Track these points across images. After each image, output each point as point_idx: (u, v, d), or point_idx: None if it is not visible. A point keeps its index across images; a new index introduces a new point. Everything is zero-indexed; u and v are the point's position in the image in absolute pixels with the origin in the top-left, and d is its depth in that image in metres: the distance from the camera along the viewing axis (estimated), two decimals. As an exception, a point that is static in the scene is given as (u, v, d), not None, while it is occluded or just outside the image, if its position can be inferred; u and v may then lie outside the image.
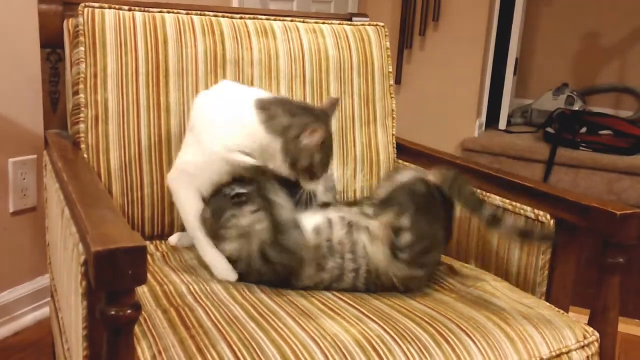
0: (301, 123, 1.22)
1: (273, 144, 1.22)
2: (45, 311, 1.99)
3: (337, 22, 1.66)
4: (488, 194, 1.41)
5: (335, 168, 1.58)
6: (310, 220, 1.20)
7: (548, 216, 1.29)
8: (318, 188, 1.27)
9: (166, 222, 1.42)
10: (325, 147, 1.24)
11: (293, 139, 1.21)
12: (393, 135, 1.68)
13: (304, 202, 1.25)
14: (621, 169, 3.34)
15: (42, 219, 1.54)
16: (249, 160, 1.23)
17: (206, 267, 1.26)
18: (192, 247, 1.34)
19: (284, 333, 1.01)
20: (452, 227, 1.33)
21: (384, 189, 1.32)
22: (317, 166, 1.23)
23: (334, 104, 1.35)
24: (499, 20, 3.73)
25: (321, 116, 1.26)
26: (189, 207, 1.27)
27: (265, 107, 1.24)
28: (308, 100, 1.55)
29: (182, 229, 1.41)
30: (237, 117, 1.25)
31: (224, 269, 1.23)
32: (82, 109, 1.34)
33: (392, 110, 1.68)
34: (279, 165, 1.23)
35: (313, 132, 1.20)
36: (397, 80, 3.66)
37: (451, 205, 1.28)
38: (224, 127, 1.25)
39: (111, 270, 0.80)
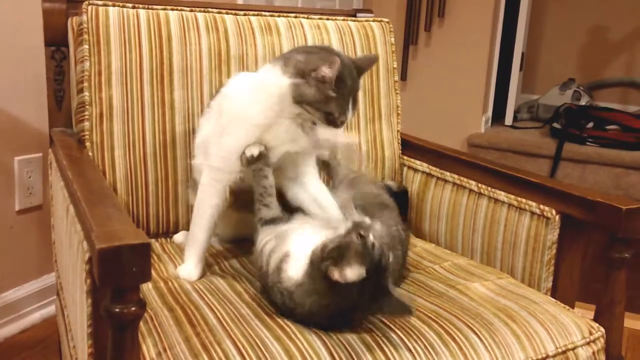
0: (318, 58, 1.16)
1: (292, 87, 1.17)
2: (52, 309, 2.00)
3: (342, 18, 1.65)
4: (493, 189, 1.41)
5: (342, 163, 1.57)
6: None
7: (554, 211, 1.28)
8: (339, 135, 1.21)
9: (171, 219, 1.43)
10: (343, 88, 1.16)
11: (310, 72, 1.15)
12: (398, 131, 1.68)
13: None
14: (628, 164, 3.32)
15: (48, 217, 1.54)
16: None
17: (210, 265, 1.27)
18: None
19: (290, 331, 1.00)
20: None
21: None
22: (334, 106, 1.16)
23: (372, 59, 1.29)
24: (504, 16, 3.72)
25: (342, 55, 1.20)
26: (208, 200, 1.25)
27: (283, 56, 1.21)
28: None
29: (187, 227, 1.41)
30: (261, 79, 1.22)
31: (192, 266, 1.23)
32: (87, 106, 1.34)
33: (397, 107, 1.68)
34: (300, 111, 1.18)
35: (331, 64, 1.13)
36: (403, 77, 3.65)
37: None
38: (252, 95, 1.22)
39: (116, 267, 0.80)
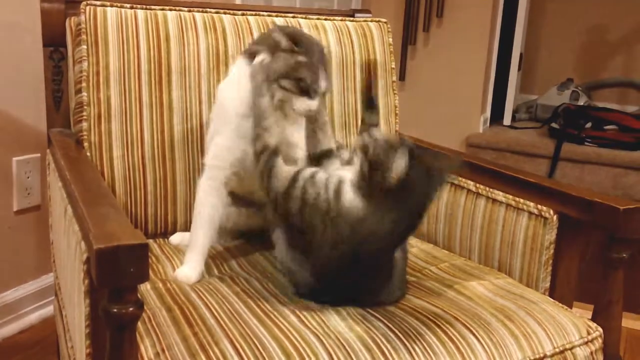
0: (270, 33, 1.20)
1: (257, 69, 1.21)
2: (50, 309, 2.00)
3: (340, 18, 1.65)
4: (492, 189, 1.41)
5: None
6: None
7: (551, 211, 1.28)
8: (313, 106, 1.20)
9: (169, 220, 1.43)
10: (310, 55, 1.19)
11: (262, 48, 1.21)
12: (396, 131, 1.68)
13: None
14: (627, 164, 3.32)
15: (46, 217, 1.54)
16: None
17: (208, 263, 1.27)
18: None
19: (287, 330, 1.01)
20: None
21: None
22: (304, 72, 1.17)
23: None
24: (503, 16, 3.72)
25: (305, 33, 1.24)
26: (204, 199, 1.27)
27: (247, 50, 1.27)
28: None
29: (185, 228, 1.41)
30: (235, 72, 1.27)
31: (190, 269, 1.22)
32: (85, 107, 1.34)
33: (395, 107, 1.68)
34: (277, 97, 1.20)
35: (275, 31, 1.17)
36: (401, 77, 3.65)
37: None
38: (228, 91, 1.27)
39: (113, 267, 0.80)
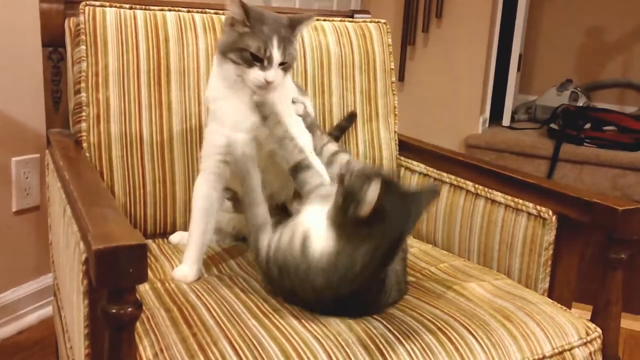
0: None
1: (216, 50, 1.22)
2: (49, 310, 2.00)
3: (339, 19, 1.65)
4: (491, 190, 1.41)
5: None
6: None
7: (550, 212, 1.28)
8: (269, 76, 1.17)
9: (168, 220, 1.43)
10: (259, 25, 1.17)
11: (223, 32, 1.22)
12: (395, 132, 1.68)
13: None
14: (626, 164, 3.33)
15: (45, 218, 1.54)
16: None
17: (207, 264, 1.27)
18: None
19: (286, 331, 1.00)
20: None
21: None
22: (249, 41, 1.16)
23: (309, 15, 1.27)
24: (502, 17, 3.72)
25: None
26: (198, 190, 1.27)
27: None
28: (309, 98, 1.55)
29: (184, 228, 1.41)
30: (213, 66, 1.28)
31: (188, 267, 1.22)
32: (84, 107, 1.34)
33: (395, 107, 1.68)
34: (226, 69, 1.20)
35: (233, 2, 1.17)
36: (401, 77, 3.65)
37: None
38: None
39: (112, 268, 0.80)
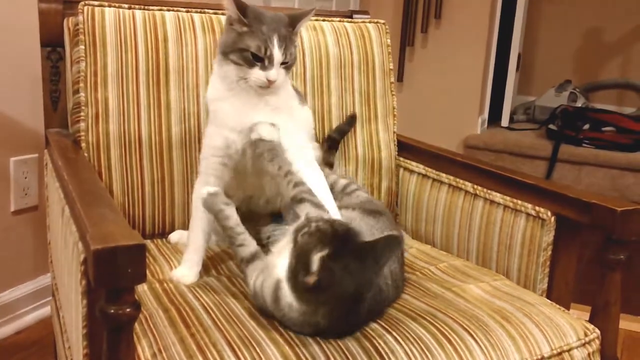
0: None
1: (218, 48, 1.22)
2: (47, 310, 1.99)
3: (338, 19, 1.65)
4: (489, 190, 1.41)
5: (337, 165, 1.57)
6: None
7: (549, 213, 1.28)
8: (271, 74, 1.17)
9: (167, 220, 1.42)
10: (259, 24, 1.16)
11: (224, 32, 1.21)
12: (394, 132, 1.68)
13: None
14: (624, 165, 3.33)
15: (44, 217, 1.54)
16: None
17: (205, 264, 1.26)
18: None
19: (285, 332, 1.00)
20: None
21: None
22: (248, 41, 1.15)
23: (307, 11, 1.25)
24: (501, 17, 3.72)
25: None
26: (198, 192, 1.26)
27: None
28: (308, 97, 1.55)
29: (183, 228, 1.41)
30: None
31: (187, 269, 1.22)
32: (83, 107, 1.34)
33: (394, 108, 1.68)
34: (227, 70, 1.19)
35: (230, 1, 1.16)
36: (399, 78, 3.65)
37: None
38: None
39: (110, 268, 0.80)
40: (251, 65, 1.17)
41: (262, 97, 1.20)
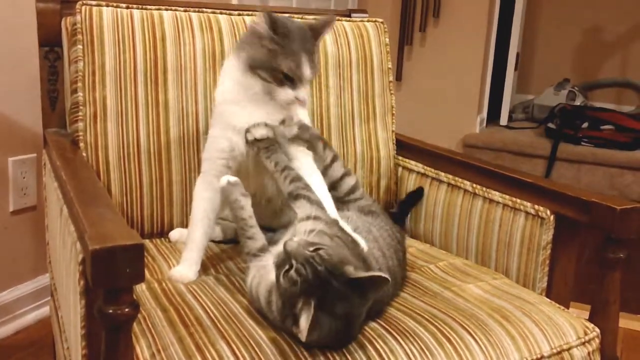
0: (252, 24, 1.18)
1: (241, 59, 1.19)
2: (46, 310, 1.99)
3: (336, 18, 1.65)
4: (488, 189, 1.41)
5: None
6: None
7: (548, 212, 1.28)
8: (300, 95, 1.17)
9: (165, 220, 1.42)
10: (290, 42, 1.15)
11: (249, 38, 1.18)
12: (393, 131, 1.67)
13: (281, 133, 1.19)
14: (623, 164, 3.33)
15: (42, 218, 1.54)
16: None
17: (204, 264, 1.26)
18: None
19: (284, 331, 1.00)
20: None
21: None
22: (281, 60, 1.14)
23: (328, 21, 1.25)
24: (499, 16, 3.72)
25: (285, 17, 1.19)
26: (199, 192, 1.26)
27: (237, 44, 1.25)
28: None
29: (182, 226, 1.41)
30: (223, 67, 1.27)
31: (186, 267, 1.21)
32: (81, 107, 1.33)
33: (392, 107, 1.68)
34: (252, 83, 1.18)
35: (258, 16, 1.14)
36: (398, 77, 3.65)
37: None
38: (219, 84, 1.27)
39: (109, 268, 0.79)
40: (281, 84, 1.17)
41: (283, 110, 1.21)
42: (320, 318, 0.91)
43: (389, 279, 0.96)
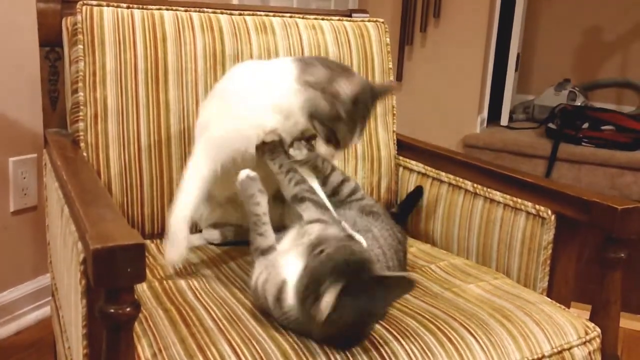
0: (340, 73, 1.14)
1: (304, 96, 1.14)
2: (46, 310, 1.99)
3: (337, 18, 1.65)
4: (489, 189, 1.41)
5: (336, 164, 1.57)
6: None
7: (549, 212, 1.28)
8: (329, 153, 1.16)
9: (166, 220, 1.42)
10: (357, 110, 1.14)
11: (326, 86, 1.12)
12: (394, 132, 1.67)
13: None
14: (623, 164, 3.33)
15: (43, 218, 1.54)
16: (272, 123, 1.16)
17: (206, 264, 1.26)
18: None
19: (285, 332, 1.00)
20: None
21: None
22: (342, 127, 1.13)
23: (389, 88, 1.28)
24: (500, 16, 3.72)
25: (362, 78, 1.18)
26: (196, 172, 1.22)
27: (304, 60, 1.19)
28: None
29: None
30: (275, 73, 1.19)
31: (177, 249, 1.20)
32: (82, 107, 1.33)
33: (393, 107, 1.68)
34: (302, 121, 1.15)
35: (351, 81, 1.11)
36: (398, 77, 3.65)
37: None
38: (259, 87, 1.20)
39: (110, 268, 0.79)
40: (328, 141, 1.16)
41: None
42: (342, 303, 0.91)
43: (415, 282, 0.97)
